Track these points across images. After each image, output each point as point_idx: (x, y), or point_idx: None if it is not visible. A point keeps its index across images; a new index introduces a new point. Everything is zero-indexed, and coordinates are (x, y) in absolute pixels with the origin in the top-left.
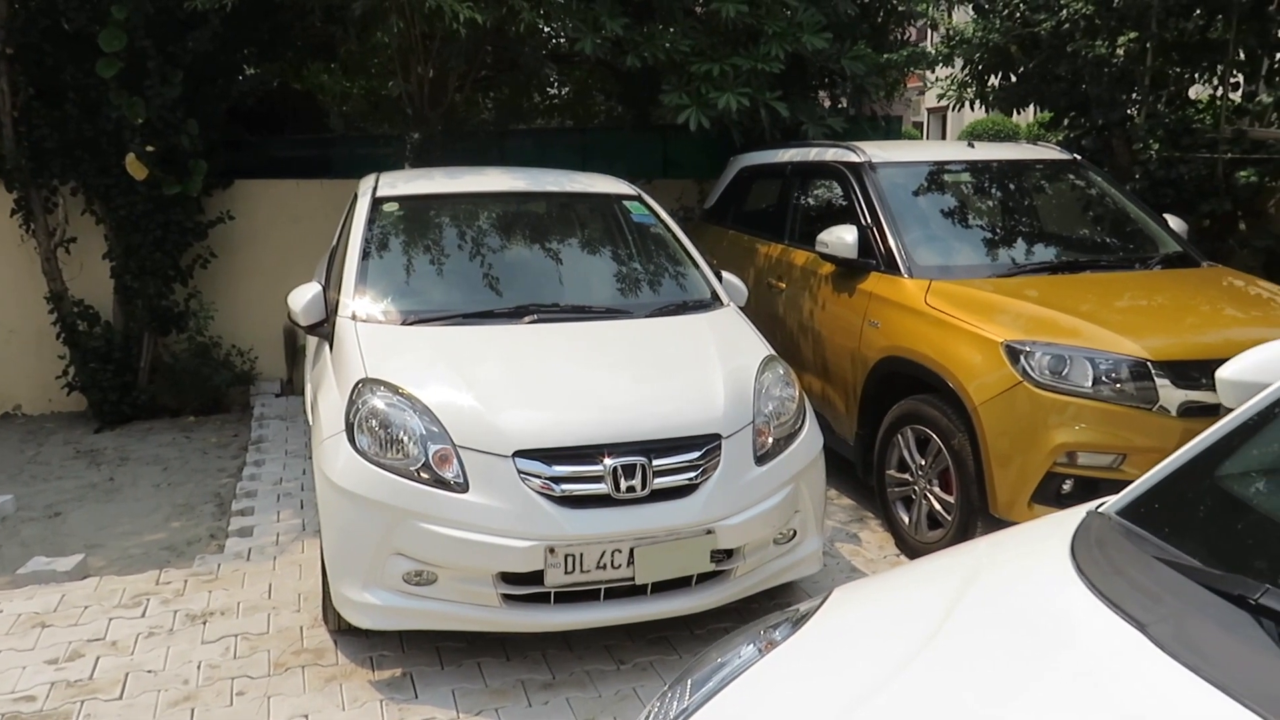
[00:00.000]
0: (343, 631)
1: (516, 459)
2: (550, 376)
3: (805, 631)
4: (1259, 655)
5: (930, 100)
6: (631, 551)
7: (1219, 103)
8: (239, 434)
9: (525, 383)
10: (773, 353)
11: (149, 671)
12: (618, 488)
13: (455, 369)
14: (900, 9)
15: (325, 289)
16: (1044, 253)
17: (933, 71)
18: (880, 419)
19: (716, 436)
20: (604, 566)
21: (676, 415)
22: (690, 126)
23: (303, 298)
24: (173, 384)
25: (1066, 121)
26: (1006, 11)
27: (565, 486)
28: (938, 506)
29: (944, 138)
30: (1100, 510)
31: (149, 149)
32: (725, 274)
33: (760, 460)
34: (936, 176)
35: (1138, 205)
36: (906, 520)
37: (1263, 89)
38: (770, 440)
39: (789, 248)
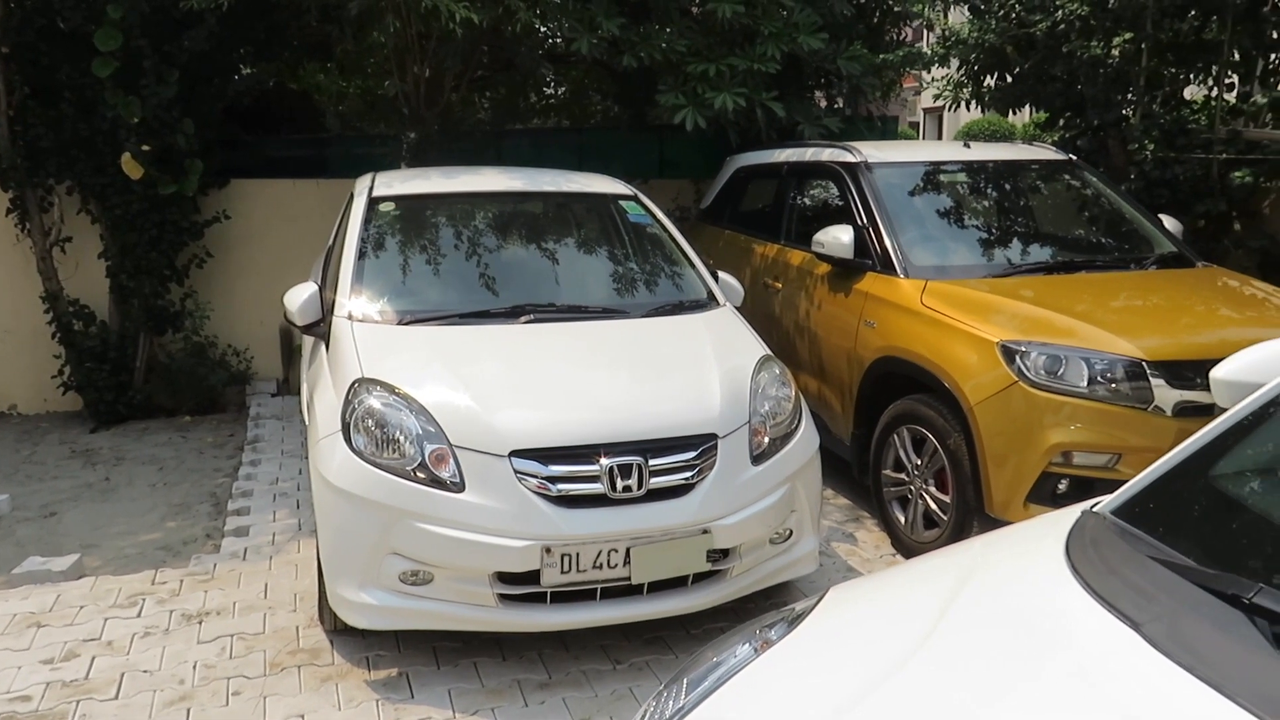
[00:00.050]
0: (339, 631)
1: (513, 459)
2: (546, 376)
3: (801, 631)
4: (1253, 654)
5: (926, 100)
6: (628, 551)
7: (1214, 103)
8: (235, 434)
9: (521, 382)
10: (769, 353)
11: (145, 671)
12: (614, 487)
13: (451, 369)
14: (896, 9)
15: (321, 289)
16: (1039, 253)
17: (929, 72)
18: (876, 419)
19: (712, 436)
20: (600, 566)
21: (672, 415)
22: (687, 126)
23: (299, 297)
24: (168, 384)
25: (1062, 122)
26: (1002, 12)
27: (561, 486)
28: (933, 506)
29: (940, 138)
30: (1095, 510)
31: (145, 148)
32: (721, 274)
33: (756, 460)
34: (932, 177)
35: (1133, 205)
36: (902, 520)
37: (1257, 90)
38: (766, 440)
39: (785, 248)
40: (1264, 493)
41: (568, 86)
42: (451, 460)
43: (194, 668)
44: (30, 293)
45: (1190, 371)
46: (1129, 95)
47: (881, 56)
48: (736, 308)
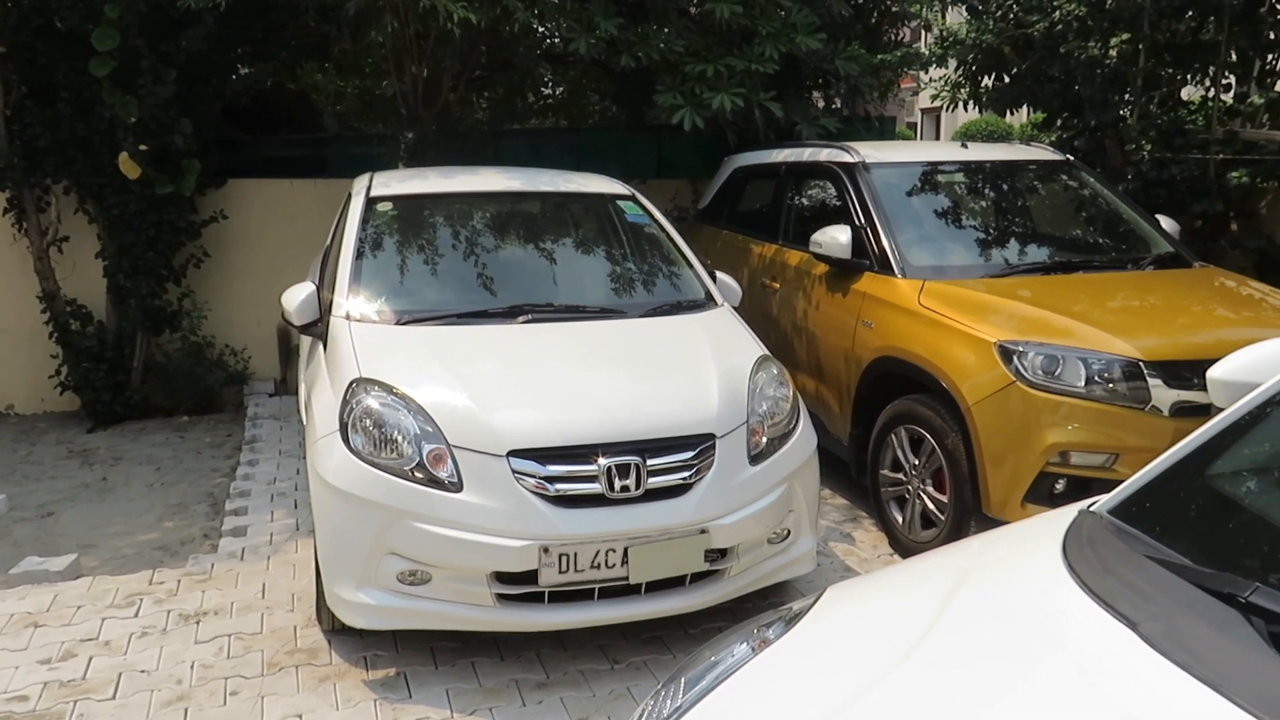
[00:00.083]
0: (337, 631)
1: (511, 458)
2: (544, 376)
3: (798, 630)
4: (1249, 653)
5: (924, 101)
6: (625, 551)
7: (1211, 104)
8: (232, 434)
9: (519, 382)
10: (767, 353)
11: (142, 671)
12: (612, 487)
13: (449, 369)
14: (894, 10)
15: (319, 289)
16: (1037, 253)
17: (926, 72)
18: (874, 419)
19: (710, 436)
20: (598, 566)
21: (670, 415)
22: (684, 127)
23: (296, 297)
24: (166, 384)
25: (1059, 122)
26: (1000, 13)
27: (559, 486)
28: (931, 506)
29: (938, 138)
30: (1092, 509)
31: (142, 148)
32: (719, 274)
33: (754, 460)
34: (930, 177)
35: (1130, 206)
36: (900, 520)
37: (1254, 90)
38: (764, 440)
39: (783, 248)
40: (1260, 492)
41: (566, 87)
42: (449, 460)
43: (192, 668)
44: (27, 292)
45: (1187, 371)
46: (1126, 96)
47: (879, 57)
48: (734, 308)
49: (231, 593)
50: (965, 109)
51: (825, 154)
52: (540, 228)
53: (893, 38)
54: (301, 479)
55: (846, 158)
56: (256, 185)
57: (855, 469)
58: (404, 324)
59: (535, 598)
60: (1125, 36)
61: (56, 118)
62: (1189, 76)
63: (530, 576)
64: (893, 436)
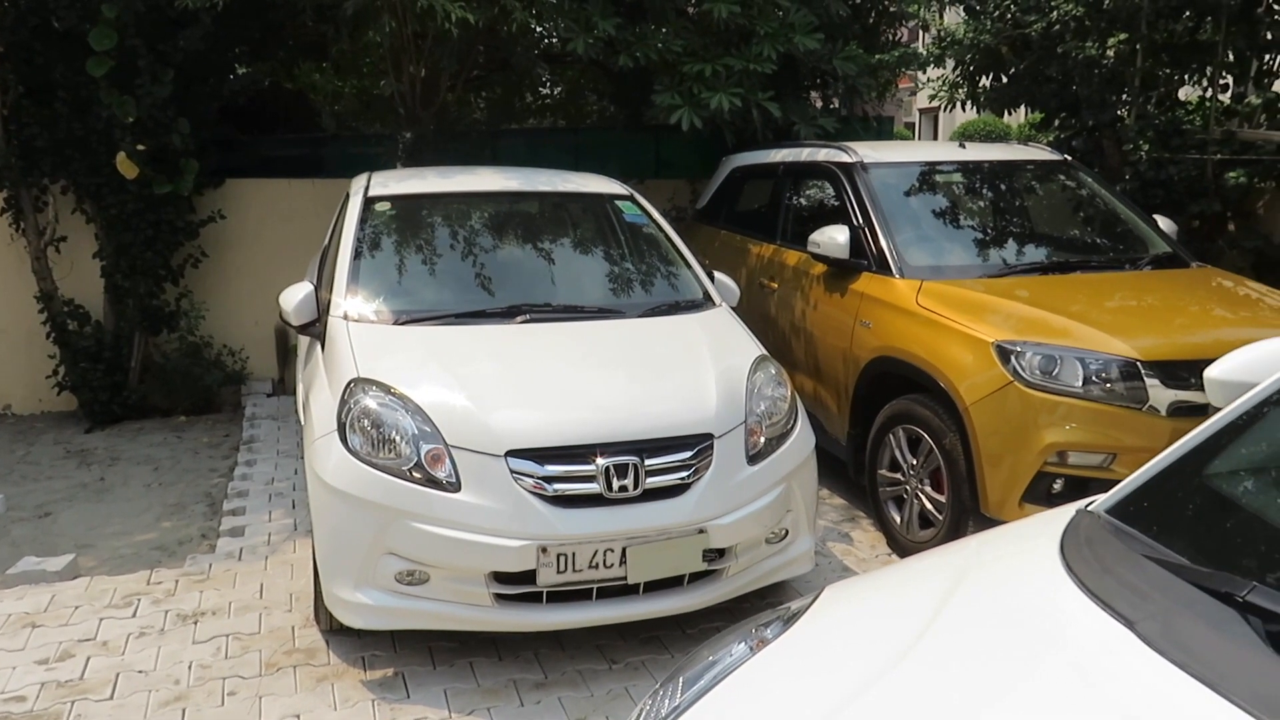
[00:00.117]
0: (334, 631)
1: (509, 458)
2: (542, 376)
3: (796, 630)
4: (1246, 652)
5: (922, 101)
6: (624, 551)
7: (1208, 104)
8: (230, 434)
9: (517, 382)
10: (765, 353)
11: (140, 671)
12: (610, 487)
13: (447, 369)
14: (892, 10)
15: (317, 289)
16: (1035, 253)
17: (924, 72)
18: (872, 419)
19: (709, 436)
20: (596, 566)
21: (669, 415)
22: (682, 127)
23: (294, 297)
24: (164, 384)
25: (1057, 122)
26: (997, 13)
27: (557, 486)
28: (929, 506)
29: (935, 138)
30: (1089, 509)
31: (140, 148)
32: (717, 274)
33: (752, 460)
34: (928, 177)
35: (1128, 206)
36: (898, 519)
37: (1252, 90)
38: (762, 440)
39: (781, 248)
40: (1258, 492)
41: (564, 86)
42: (447, 460)
43: (189, 668)
44: (25, 292)
45: (1185, 371)
46: (1124, 96)
47: (877, 57)
48: (732, 308)
49: (229, 593)
50: (963, 109)
51: (823, 154)
52: (538, 228)
53: (890, 38)
54: (299, 479)
55: (844, 158)
56: (254, 185)
57: (853, 469)
58: (402, 324)
59: (533, 598)
60: (1123, 36)
61: (54, 117)
62: (1186, 76)
63: (528, 576)
64: (891, 436)
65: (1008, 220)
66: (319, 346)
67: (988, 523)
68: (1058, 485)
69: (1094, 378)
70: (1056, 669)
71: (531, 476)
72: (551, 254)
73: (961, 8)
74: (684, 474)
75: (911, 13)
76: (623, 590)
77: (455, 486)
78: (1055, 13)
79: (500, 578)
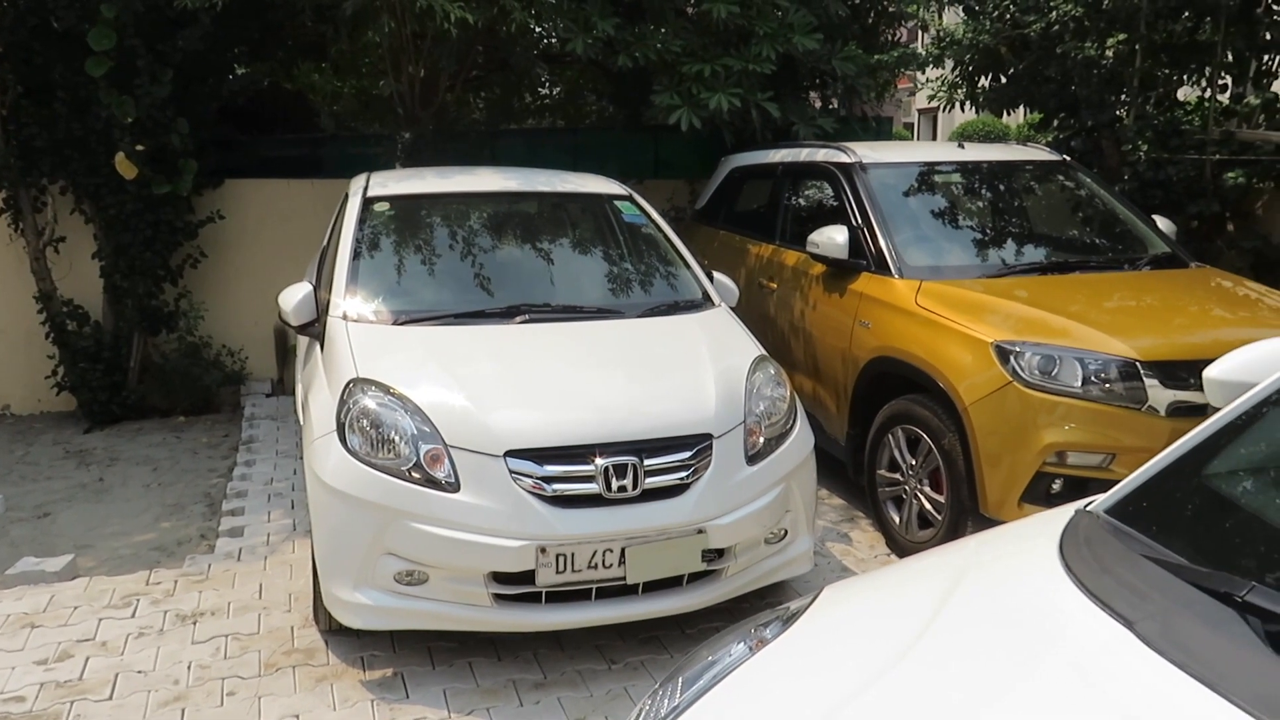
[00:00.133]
0: (334, 631)
1: (508, 459)
2: (541, 376)
3: (795, 630)
4: (1245, 652)
5: (921, 101)
6: (623, 551)
7: (1207, 104)
8: (229, 434)
9: (517, 382)
10: (764, 353)
11: (139, 672)
12: (609, 487)
13: (446, 369)
14: (891, 10)
15: (316, 289)
16: (1034, 253)
17: (923, 72)
18: (871, 419)
19: (708, 436)
20: (595, 566)
21: (668, 415)
22: (681, 127)
23: (293, 297)
24: (163, 384)
25: (1056, 123)
26: (996, 13)
27: (557, 486)
28: (928, 506)
29: (934, 139)
30: (1088, 509)
31: (139, 148)
32: (716, 274)
33: (751, 460)
34: (927, 177)
35: (1126, 206)
36: (897, 520)
37: (1250, 91)
38: (761, 440)
39: (780, 248)
40: (1257, 492)
41: (563, 87)
42: (446, 460)
43: (189, 668)
44: (24, 293)
45: (1184, 371)
46: (1123, 96)
47: (876, 57)
48: (731, 308)
49: (228, 593)
50: (962, 109)
51: (822, 154)
52: (537, 228)
53: (889, 38)
54: (298, 479)
55: (843, 158)
56: (253, 185)
57: (852, 469)
58: (401, 324)
59: (532, 598)
60: (1122, 37)
61: (53, 118)
62: (1185, 77)
63: (527, 577)
64: (890, 437)
65: (1007, 220)
66: (318, 347)
67: (987, 523)
68: (1057, 485)
69: (1093, 378)
70: (1056, 669)
71: (530, 476)
72: (550, 254)
73: (960, 8)
74: (683, 474)
75: (910, 13)
76: (622, 590)
77: (454, 487)
78: (1054, 13)
79: (499, 578)
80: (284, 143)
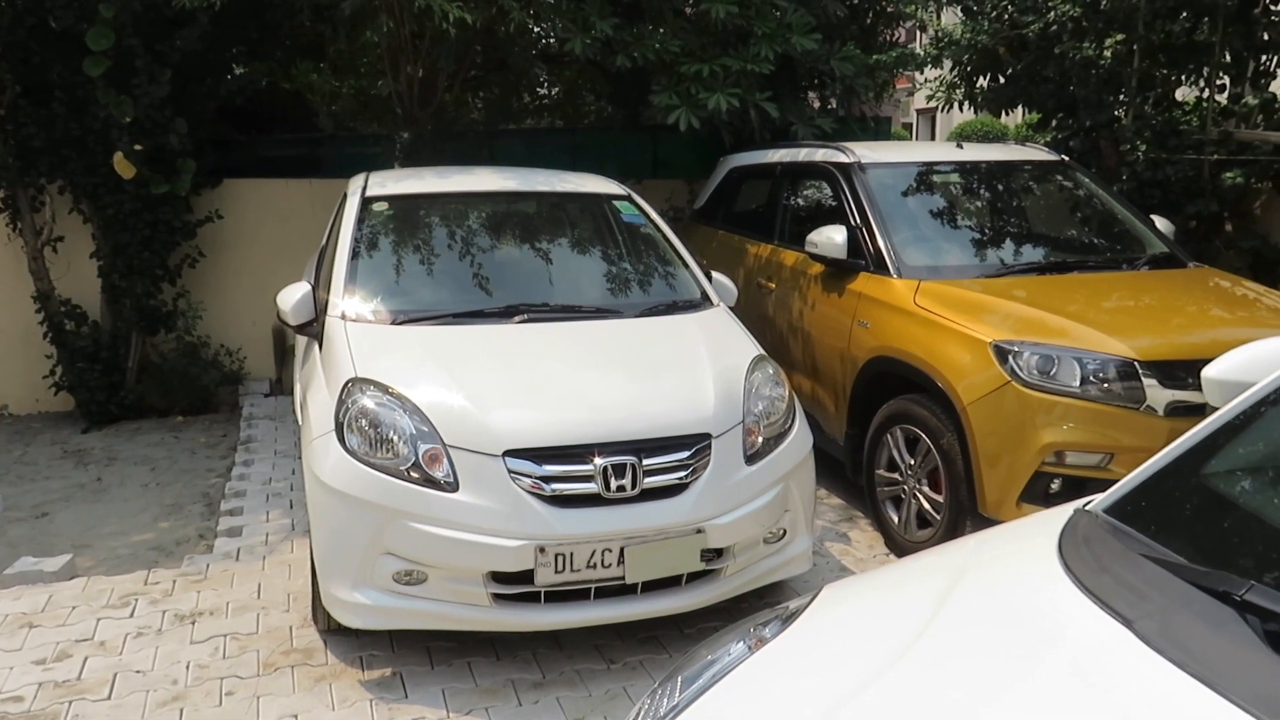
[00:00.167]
0: (332, 631)
1: (506, 458)
2: (540, 376)
3: (795, 629)
4: (1244, 651)
5: (919, 101)
6: (621, 551)
7: (1205, 105)
8: (228, 434)
9: (515, 382)
10: (762, 352)
11: (137, 672)
12: (608, 487)
13: (445, 368)
14: (889, 10)
15: (314, 288)
16: (1032, 253)
17: (921, 73)
18: (870, 419)
19: (706, 436)
20: (594, 566)
21: (666, 415)
22: (680, 127)
23: (292, 297)
24: (161, 384)
25: (1054, 123)
26: (995, 13)
27: (555, 486)
28: (927, 506)
29: (933, 139)
30: (1087, 508)
31: (137, 148)
32: (715, 274)
33: (750, 460)
34: (925, 177)
35: (1125, 206)
36: (896, 519)
37: (1248, 91)
38: (760, 440)
39: (778, 248)
40: (1255, 491)
41: (561, 87)
42: (445, 460)
43: (187, 668)
44: (22, 292)
45: (1182, 371)
46: (1121, 96)
47: (874, 57)
48: (730, 308)
49: (227, 593)
50: (960, 110)
51: (821, 154)
52: (536, 228)
53: (888, 38)
54: (297, 479)
55: (842, 158)
56: (252, 185)
57: (851, 469)
58: (400, 324)
59: (531, 597)
60: (1120, 37)
61: (51, 117)
62: (1184, 77)
63: (526, 576)
64: (888, 436)
65: (1005, 220)
66: (316, 346)
67: (985, 522)
68: (1055, 485)
69: (1091, 377)
70: (1055, 668)
71: (529, 476)
72: (549, 254)
73: (959, 8)
74: (682, 474)
75: (909, 13)
76: (621, 590)
77: (453, 486)
78: (1052, 13)
79: (498, 577)
80: (282, 142)
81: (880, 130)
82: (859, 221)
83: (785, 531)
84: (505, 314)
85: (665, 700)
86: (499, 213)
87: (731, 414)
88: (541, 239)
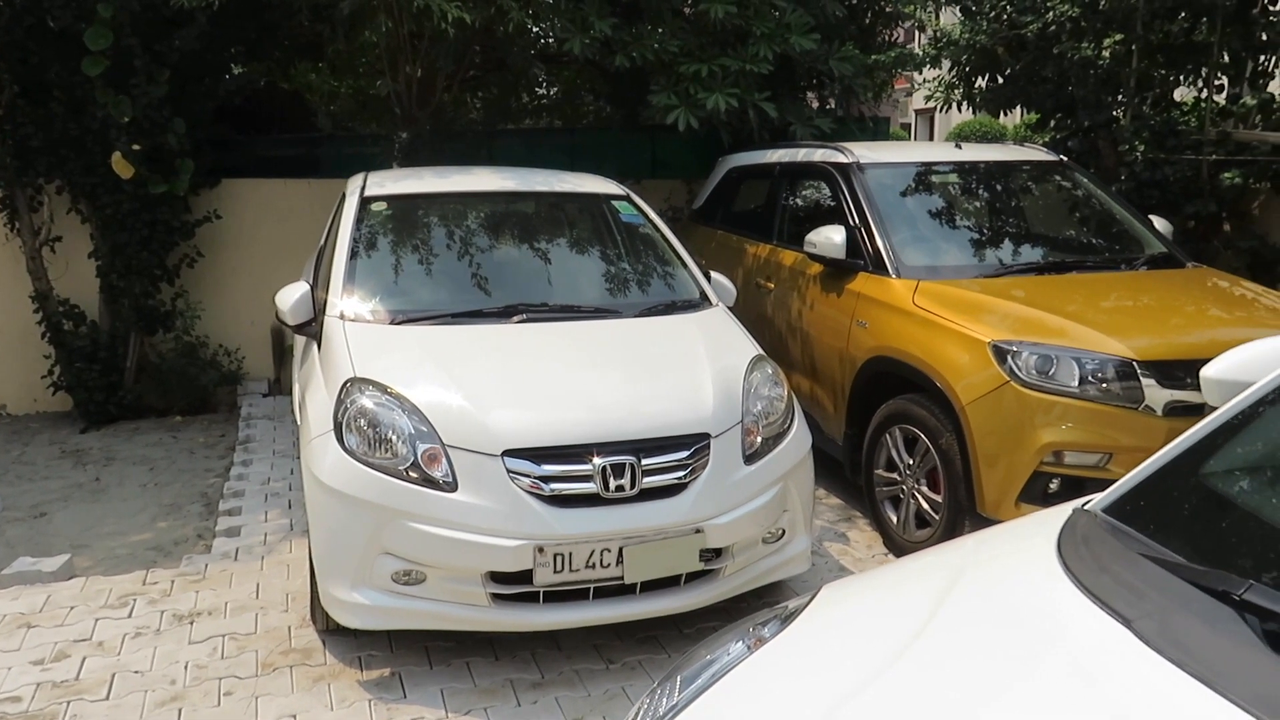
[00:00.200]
0: (331, 631)
1: (505, 458)
2: (539, 376)
3: (794, 628)
4: (1243, 650)
5: (918, 102)
6: (620, 551)
7: (1204, 105)
8: (226, 434)
9: (514, 382)
10: (761, 352)
11: (136, 672)
12: (607, 487)
13: (444, 368)
14: (888, 10)
15: (313, 288)
16: (1031, 253)
17: (920, 73)
18: (868, 419)
19: (705, 436)
20: (593, 566)
21: (665, 415)
22: (679, 127)
23: (290, 297)
24: (159, 384)
25: (1053, 123)
26: (993, 13)
27: (554, 486)
28: (925, 506)
29: (931, 139)
30: (1086, 508)
31: (135, 147)
32: (714, 274)
33: (749, 459)
34: (924, 177)
35: (1123, 206)
36: (894, 519)
37: (1247, 91)
38: (759, 440)
39: (777, 248)
40: (1254, 490)
41: (560, 87)
42: (444, 460)
43: (185, 668)
44: (20, 292)
45: (1180, 371)
46: (1119, 97)
47: (873, 57)
48: (729, 308)
49: (225, 593)
50: (959, 110)
51: (819, 154)
52: (535, 228)
53: (886, 38)
54: (295, 479)
55: (841, 158)
56: (250, 185)
57: (850, 469)
58: (399, 324)
59: (530, 597)
60: (1118, 37)
61: (49, 117)
62: (1182, 77)
63: (525, 576)
64: (887, 436)
65: (1004, 221)
66: (315, 346)
67: (984, 522)
68: (1054, 485)
69: (1090, 377)
70: (1054, 667)
71: (528, 476)
72: (548, 254)
73: (957, 8)
74: (681, 474)
75: (907, 13)
76: (619, 590)
77: (452, 486)
78: (1051, 14)
79: (497, 577)
80: (281, 142)
81: (879, 130)
82: (858, 221)
83: (784, 531)
84: (504, 314)
85: (664, 700)
86: (498, 213)
87: (730, 414)
88: (540, 239)
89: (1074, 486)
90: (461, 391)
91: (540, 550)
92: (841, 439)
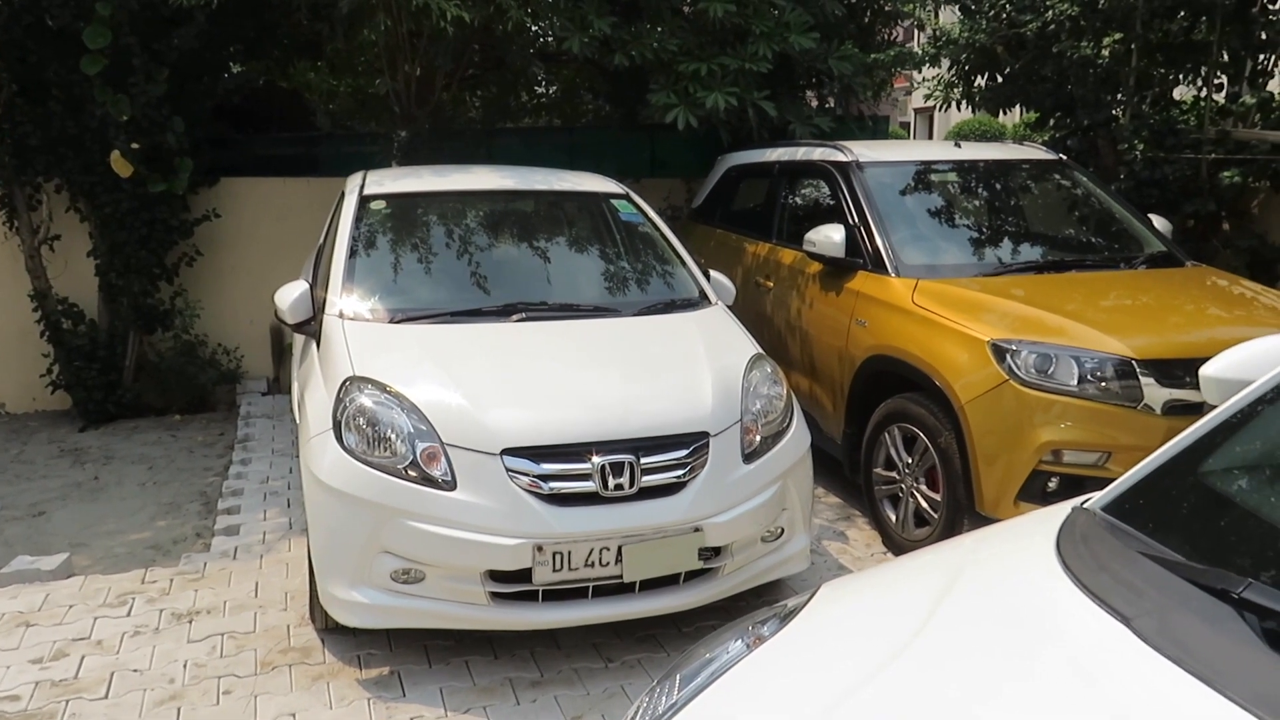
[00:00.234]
0: (330, 630)
1: (504, 457)
2: (538, 375)
3: (793, 627)
4: (1242, 649)
5: (917, 100)
6: (619, 549)
7: (1203, 104)
8: (225, 433)
9: (513, 381)
10: (760, 351)
11: (134, 670)
12: (606, 486)
13: (443, 367)
14: (887, 9)
15: (312, 287)
16: (1030, 252)
17: (919, 72)
18: (867, 417)
19: (704, 435)
20: (592, 564)
21: (664, 413)
22: (678, 126)
23: (289, 296)
24: (158, 383)
25: (1052, 122)
26: (993, 12)
27: (553, 484)
28: (924, 504)
29: (931, 138)
30: (1085, 506)
31: (134, 146)
32: (713, 273)
33: (748, 458)
34: (923, 176)
35: (1123, 205)
36: (893, 518)
37: (1246, 90)
38: (758, 438)
39: (777, 247)
40: (1253, 489)
41: (559, 85)
42: (443, 458)
43: (184, 667)
44: (18, 291)
45: (1179, 370)
46: (1119, 95)
47: (872, 56)
48: (728, 306)
49: (224, 591)
50: (958, 109)
51: (819, 153)
52: (534, 226)
53: (886, 37)
54: (294, 478)
55: (840, 157)
56: (249, 184)
57: (849, 467)
58: (398, 322)
59: (529, 596)
60: (1117, 36)
61: (47, 116)
62: (1181, 76)
63: (524, 575)
64: (886, 435)
65: (1003, 219)
66: (314, 345)
67: (983, 521)
68: (1053, 484)
69: (1089, 376)
70: (1053, 666)
71: (527, 475)
72: (547, 253)
73: (957, 7)
74: (680, 472)
75: (907, 12)
76: (619, 589)
77: (451, 485)
78: (1050, 12)
79: (496, 576)
80: (280, 141)
81: (878, 129)
82: (857, 220)
83: (783, 530)
84: (503, 313)
85: (663, 698)
86: (497, 211)
87: (729, 413)
88: (539, 238)
89: (1073, 485)
90: (460, 390)
91: (539, 549)
92: (840, 438)
